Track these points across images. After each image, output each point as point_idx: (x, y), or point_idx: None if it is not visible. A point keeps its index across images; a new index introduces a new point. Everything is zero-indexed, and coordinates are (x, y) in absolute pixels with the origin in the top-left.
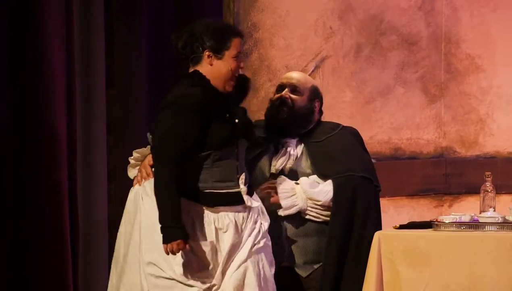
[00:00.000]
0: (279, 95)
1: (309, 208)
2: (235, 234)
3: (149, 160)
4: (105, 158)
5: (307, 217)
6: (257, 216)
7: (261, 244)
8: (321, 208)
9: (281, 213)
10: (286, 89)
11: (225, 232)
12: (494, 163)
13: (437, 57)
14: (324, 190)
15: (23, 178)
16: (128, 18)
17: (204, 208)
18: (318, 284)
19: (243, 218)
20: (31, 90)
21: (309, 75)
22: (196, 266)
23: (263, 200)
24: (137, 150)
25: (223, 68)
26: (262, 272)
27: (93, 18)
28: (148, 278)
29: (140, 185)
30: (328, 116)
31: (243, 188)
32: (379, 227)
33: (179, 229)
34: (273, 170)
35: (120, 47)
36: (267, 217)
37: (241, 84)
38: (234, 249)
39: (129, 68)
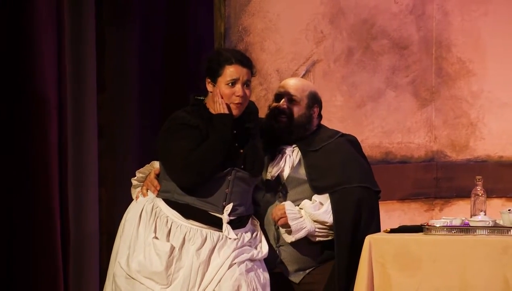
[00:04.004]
0: (276, 105)
1: (317, 230)
2: (201, 249)
3: (154, 171)
4: (96, 162)
5: (317, 239)
6: (249, 242)
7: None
8: (329, 228)
9: (291, 239)
10: (283, 100)
11: (193, 244)
12: (485, 166)
13: (428, 61)
14: (329, 210)
15: (13, 182)
16: (119, 23)
17: (181, 216)
18: (311, 287)
19: (220, 237)
20: (22, 95)
21: None
22: (152, 265)
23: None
24: (140, 170)
25: (217, 94)
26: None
27: (84, 23)
28: (113, 278)
29: (144, 196)
30: None
31: (225, 217)
32: (378, 230)
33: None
34: (268, 177)
35: (111, 52)
36: (265, 245)
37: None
38: (204, 265)
39: (120, 72)
